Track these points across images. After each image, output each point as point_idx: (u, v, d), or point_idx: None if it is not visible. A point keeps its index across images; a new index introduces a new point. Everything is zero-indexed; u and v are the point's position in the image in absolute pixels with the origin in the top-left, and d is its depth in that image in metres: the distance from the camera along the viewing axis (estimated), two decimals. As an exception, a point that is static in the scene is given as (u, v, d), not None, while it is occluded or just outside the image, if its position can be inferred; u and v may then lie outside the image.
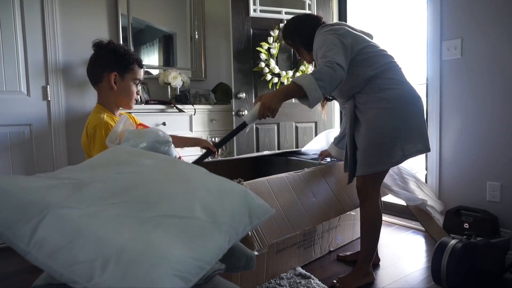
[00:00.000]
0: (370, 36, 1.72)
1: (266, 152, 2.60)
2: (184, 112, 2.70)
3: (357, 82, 1.57)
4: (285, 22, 1.86)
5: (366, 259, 1.72)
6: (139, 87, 1.62)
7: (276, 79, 2.88)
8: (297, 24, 1.76)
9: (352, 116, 1.63)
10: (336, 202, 1.89)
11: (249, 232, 1.42)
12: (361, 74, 1.55)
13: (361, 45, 1.57)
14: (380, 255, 2.01)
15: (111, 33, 2.77)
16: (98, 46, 1.55)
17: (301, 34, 1.73)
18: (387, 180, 2.08)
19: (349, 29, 1.62)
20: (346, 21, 3.22)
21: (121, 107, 1.62)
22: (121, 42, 2.77)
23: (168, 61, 3.11)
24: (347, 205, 1.93)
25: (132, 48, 2.85)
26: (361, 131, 1.59)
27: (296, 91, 1.44)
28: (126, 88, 1.56)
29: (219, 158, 2.37)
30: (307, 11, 2.96)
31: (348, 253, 2.03)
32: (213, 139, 2.89)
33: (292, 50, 2.94)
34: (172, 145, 1.32)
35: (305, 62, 2.70)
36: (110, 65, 1.52)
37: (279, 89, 1.50)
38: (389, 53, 1.65)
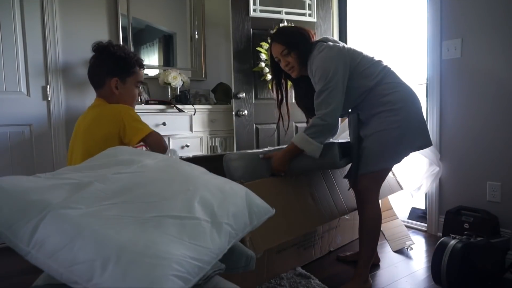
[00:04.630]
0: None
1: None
2: (184, 112, 2.70)
3: (358, 93, 1.63)
4: (283, 27, 1.80)
5: (366, 264, 1.68)
6: (141, 88, 1.60)
7: (276, 79, 2.88)
8: (301, 34, 1.70)
9: (356, 123, 1.67)
10: (333, 205, 1.87)
11: (246, 237, 1.42)
12: (361, 86, 1.61)
13: (356, 60, 1.62)
14: (380, 255, 2.01)
15: (111, 33, 2.77)
16: (98, 50, 1.52)
17: (304, 46, 1.67)
18: None
19: (341, 46, 1.64)
20: (346, 21, 3.22)
21: None
22: (121, 42, 2.77)
23: (168, 61, 3.11)
24: (342, 209, 1.91)
25: (132, 48, 2.85)
26: (368, 134, 1.63)
27: (296, 149, 1.62)
28: (128, 91, 1.55)
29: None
30: (306, 11, 2.96)
31: (348, 253, 2.03)
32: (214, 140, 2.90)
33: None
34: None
35: None
36: (111, 71, 1.50)
37: (284, 152, 1.66)
38: (380, 59, 1.70)
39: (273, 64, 1.80)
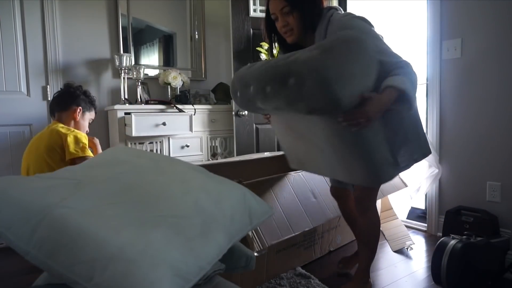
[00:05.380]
0: None
1: (266, 154, 2.60)
2: (184, 112, 2.70)
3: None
4: None
5: (367, 266, 1.67)
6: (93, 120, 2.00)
7: (276, 79, 2.88)
8: None
9: None
10: (335, 203, 1.89)
11: (249, 233, 1.42)
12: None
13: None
14: (380, 255, 2.01)
15: (111, 33, 2.77)
16: (69, 85, 1.93)
17: (310, 8, 1.37)
18: None
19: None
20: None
21: None
22: (121, 42, 2.78)
23: (168, 61, 3.11)
24: None
25: (132, 48, 2.85)
26: None
27: (394, 98, 1.21)
28: (82, 123, 1.91)
29: (221, 161, 2.37)
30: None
31: (348, 256, 2.01)
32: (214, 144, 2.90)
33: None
34: None
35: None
36: (79, 101, 1.89)
37: (387, 99, 1.19)
38: None
39: (268, 23, 1.49)
